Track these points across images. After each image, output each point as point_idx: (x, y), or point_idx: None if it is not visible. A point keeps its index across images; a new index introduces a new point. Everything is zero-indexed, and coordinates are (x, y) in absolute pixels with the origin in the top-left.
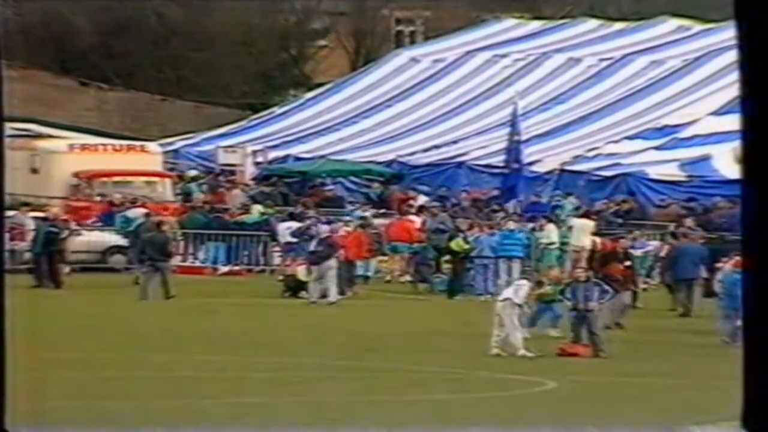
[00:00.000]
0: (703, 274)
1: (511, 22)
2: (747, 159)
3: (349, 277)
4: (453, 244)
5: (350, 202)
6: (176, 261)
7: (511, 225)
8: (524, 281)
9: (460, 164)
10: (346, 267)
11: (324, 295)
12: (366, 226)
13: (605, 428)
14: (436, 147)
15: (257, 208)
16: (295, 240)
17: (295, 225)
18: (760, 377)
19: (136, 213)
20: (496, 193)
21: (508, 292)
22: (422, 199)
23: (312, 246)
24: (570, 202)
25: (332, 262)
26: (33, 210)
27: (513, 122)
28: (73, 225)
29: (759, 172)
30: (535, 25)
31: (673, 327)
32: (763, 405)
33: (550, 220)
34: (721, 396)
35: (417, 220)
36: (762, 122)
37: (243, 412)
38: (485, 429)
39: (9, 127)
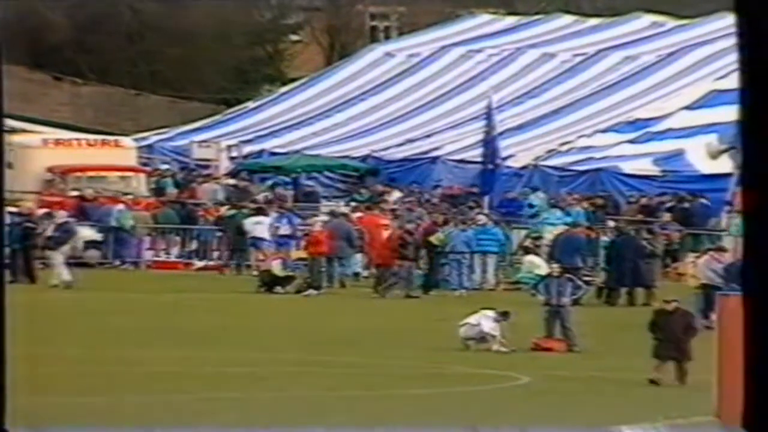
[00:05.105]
0: (580, 263)
1: (486, 17)
2: (746, 159)
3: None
4: (433, 239)
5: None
6: (150, 256)
7: (483, 219)
8: (489, 312)
9: (435, 159)
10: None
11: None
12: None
13: (582, 424)
14: (410, 141)
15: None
16: (262, 235)
17: (263, 219)
18: (760, 377)
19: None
20: (471, 189)
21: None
22: (396, 195)
23: (50, 231)
24: (539, 197)
25: (66, 248)
26: (8, 205)
27: (488, 117)
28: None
29: (759, 172)
30: (510, 20)
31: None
32: (763, 405)
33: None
34: (694, 391)
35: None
36: (762, 121)
37: (220, 408)
38: (460, 423)
39: None
